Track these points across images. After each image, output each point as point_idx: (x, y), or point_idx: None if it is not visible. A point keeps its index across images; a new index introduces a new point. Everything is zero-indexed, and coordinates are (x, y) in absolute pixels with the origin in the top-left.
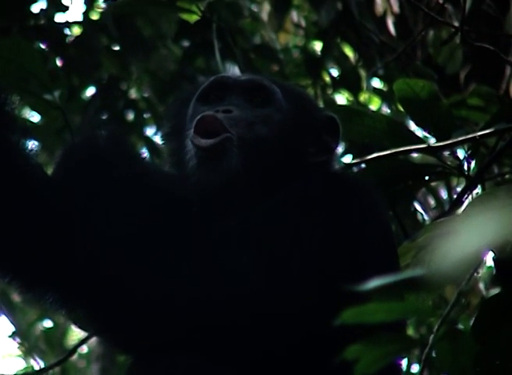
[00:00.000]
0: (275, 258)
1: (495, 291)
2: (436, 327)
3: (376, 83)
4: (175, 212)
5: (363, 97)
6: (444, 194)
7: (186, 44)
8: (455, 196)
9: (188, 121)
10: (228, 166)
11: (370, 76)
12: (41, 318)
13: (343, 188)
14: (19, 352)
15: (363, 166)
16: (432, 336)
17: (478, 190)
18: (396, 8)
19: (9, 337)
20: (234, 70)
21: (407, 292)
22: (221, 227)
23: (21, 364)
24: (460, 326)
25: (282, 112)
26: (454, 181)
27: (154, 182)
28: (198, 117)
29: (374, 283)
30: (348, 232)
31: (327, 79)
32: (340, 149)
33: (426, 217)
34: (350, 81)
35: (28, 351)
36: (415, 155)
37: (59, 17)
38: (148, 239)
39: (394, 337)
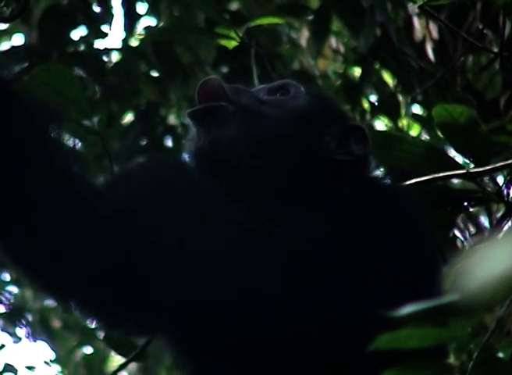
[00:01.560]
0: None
1: None
2: (476, 354)
3: (416, 109)
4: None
5: (402, 123)
6: (484, 220)
7: (224, 70)
8: (495, 222)
9: None
10: (219, 133)
11: (409, 102)
12: (81, 344)
13: (401, 201)
14: None
15: None
16: (471, 363)
17: None
18: (435, 34)
19: (50, 363)
20: None
21: (443, 318)
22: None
23: None
24: (500, 354)
25: (300, 100)
26: (494, 207)
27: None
28: (200, 82)
29: (410, 308)
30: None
31: (366, 105)
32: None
33: (465, 243)
34: (388, 107)
35: None
36: (455, 180)
37: (99, 44)
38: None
39: (430, 363)
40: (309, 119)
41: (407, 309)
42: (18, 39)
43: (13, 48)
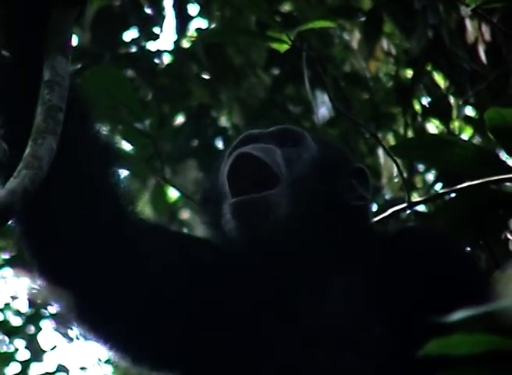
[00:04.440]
0: None
1: None
2: None
3: (468, 111)
4: None
5: (454, 125)
6: None
7: (275, 72)
8: None
9: (223, 182)
10: (275, 215)
11: (461, 104)
12: None
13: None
14: None
15: (453, 195)
16: None
17: None
18: (487, 36)
19: (102, 363)
20: (324, 98)
21: (494, 324)
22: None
23: None
24: None
25: (313, 151)
26: None
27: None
28: (232, 157)
29: (461, 314)
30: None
31: (417, 107)
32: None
33: None
34: (440, 109)
35: None
36: (507, 184)
37: (150, 45)
38: None
39: (483, 369)
40: (325, 172)
41: (459, 315)
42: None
43: None
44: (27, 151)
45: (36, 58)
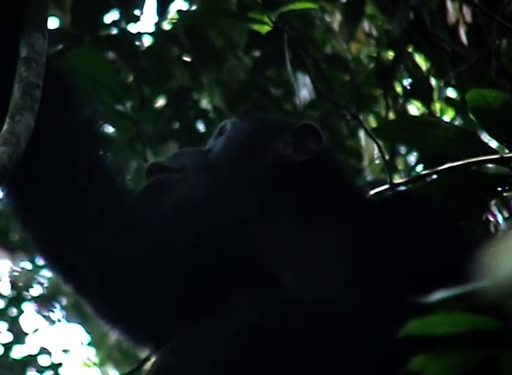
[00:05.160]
0: None
1: None
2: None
3: (449, 92)
4: None
5: (436, 107)
6: None
7: (257, 54)
8: None
9: None
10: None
11: (443, 86)
12: None
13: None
14: (95, 361)
15: (434, 176)
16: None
17: None
18: (468, 17)
19: (84, 346)
20: (305, 80)
21: (473, 304)
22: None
23: (97, 373)
24: None
25: (236, 131)
26: None
27: None
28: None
29: (440, 294)
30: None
31: (399, 89)
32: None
33: (498, 228)
34: (421, 91)
35: (103, 361)
36: (489, 165)
37: (131, 27)
38: None
39: (462, 349)
40: (251, 141)
41: (438, 295)
42: (51, 23)
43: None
44: (5, 128)
45: (13, 36)
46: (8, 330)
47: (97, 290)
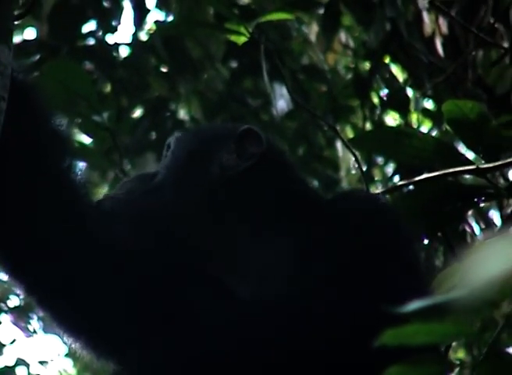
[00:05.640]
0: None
1: None
2: (485, 350)
3: (427, 103)
4: None
5: (412, 118)
6: (494, 215)
7: (234, 65)
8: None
9: None
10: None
11: (419, 97)
12: None
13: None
14: (73, 372)
15: (411, 187)
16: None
17: None
18: (444, 29)
19: (63, 357)
20: (282, 91)
21: (448, 314)
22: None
23: None
24: (510, 350)
25: (178, 147)
26: (505, 202)
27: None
28: None
29: (416, 304)
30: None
31: (376, 100)
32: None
33: (475, 238)
34: (398, 102)
35: (80, 372)
36: (465, 176)
37: (108, 38)
38: None
39: (436, 359)
40: (194, 156)
41: (413, 305)
42: (29, 33)
43: (25, 41)
44: None
45: None
46: None
47: (59, 303)
